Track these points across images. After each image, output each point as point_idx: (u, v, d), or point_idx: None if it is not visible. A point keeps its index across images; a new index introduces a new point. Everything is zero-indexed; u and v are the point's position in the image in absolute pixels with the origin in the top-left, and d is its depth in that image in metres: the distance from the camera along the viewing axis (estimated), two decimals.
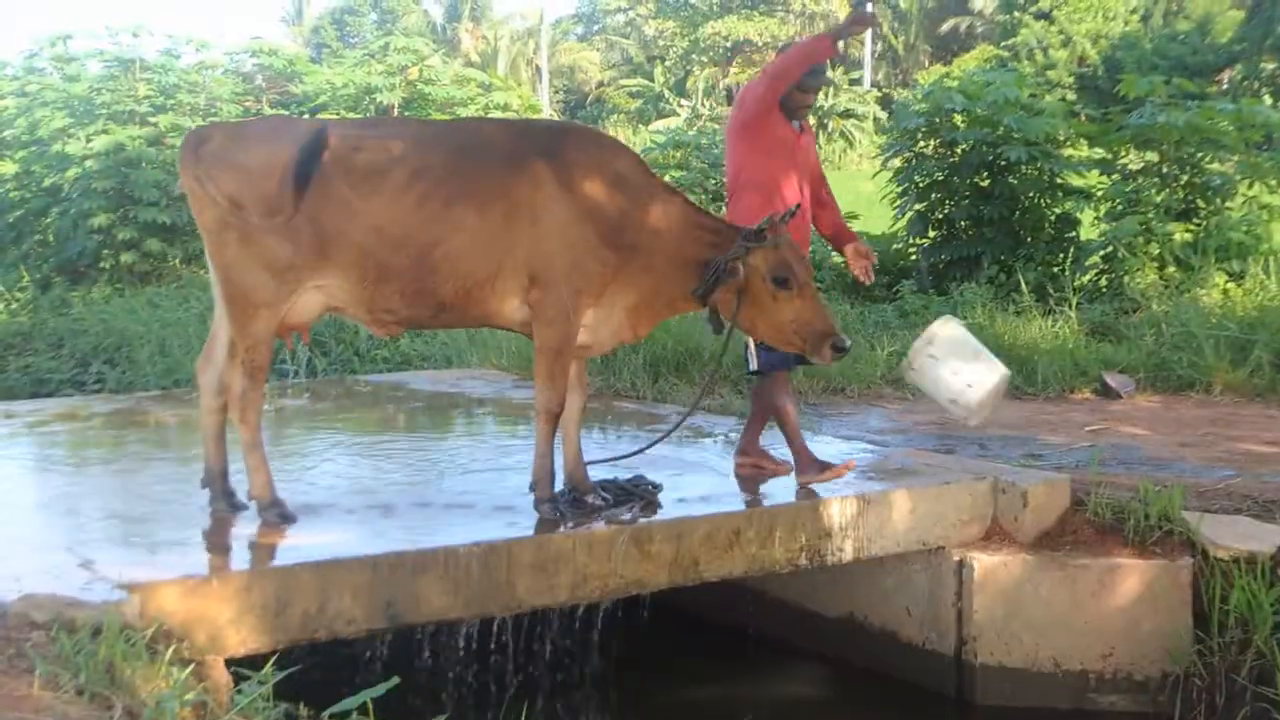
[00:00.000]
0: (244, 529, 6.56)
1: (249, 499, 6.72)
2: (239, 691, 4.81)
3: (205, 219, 6.43)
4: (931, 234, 16.97)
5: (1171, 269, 14.61)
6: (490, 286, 6.58)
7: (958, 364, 7.53)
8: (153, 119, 21.87)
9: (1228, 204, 15.57)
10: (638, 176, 6.81)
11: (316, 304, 6.60)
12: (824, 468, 7.57)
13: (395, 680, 4.57)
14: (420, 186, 6.42)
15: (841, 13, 68.99)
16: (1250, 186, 15.58)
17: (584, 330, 6.81)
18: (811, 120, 7.63)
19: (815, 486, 7.50)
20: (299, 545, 6.17)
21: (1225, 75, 50.63)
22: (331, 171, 6.35)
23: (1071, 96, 48.09)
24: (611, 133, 51.05)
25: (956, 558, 7.59)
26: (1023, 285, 14.31)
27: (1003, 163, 16.06)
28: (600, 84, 73.10)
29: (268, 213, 6.31)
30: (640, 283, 6.82)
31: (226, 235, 6.38)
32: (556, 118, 53.63)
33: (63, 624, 4.76)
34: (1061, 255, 15.60)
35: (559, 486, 6.93)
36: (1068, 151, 17.02)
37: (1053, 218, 16.41)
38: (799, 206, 7.28)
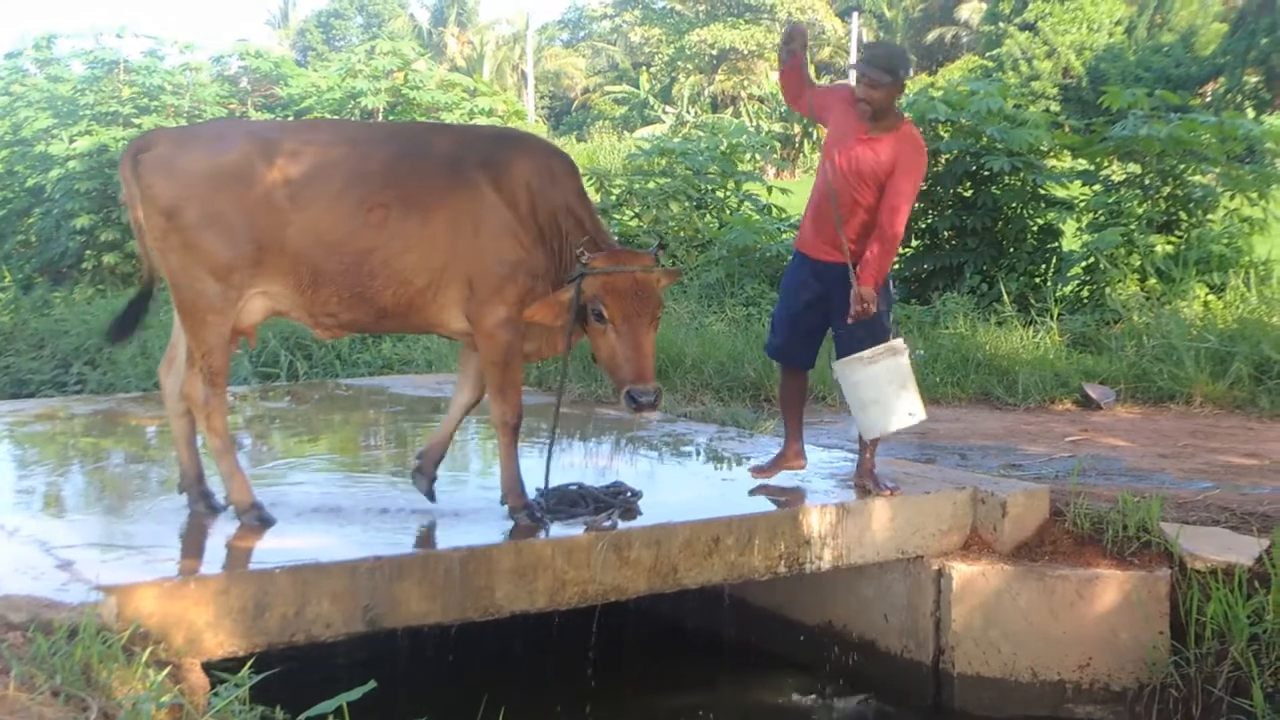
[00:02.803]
0: (222, 531, 6.56)
1: (227, 503, 6.72)
2: (215, 694, 4.80)
3: (150, 227, 6.44)
4: (914, 243, 16.96)
5: (1153, 280, 14.63)
6: (431, 295, 6.59)
7: (911, 387, 7.51)
8: (136, 120, 21.85)
9: (1209, 216, 15.60)
10: (570, 187, 6.80)
11: (261, 308, 6.61)
12: (776, 465, 7.88)
13: (372, 684, 4.57)
14: (356, 192, 6.43)
15: (826, 21, 69.25)
16: (1232, 199, 15.60)
17: (531, 338, 6.84)
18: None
19: (803, 493, 7.57)
20: (278, 548, 6.17)
21: (1208, 88, 50.80)
22: (267, 177, 6.36)
23: (1055, 107, 48.18)
24: (597, 139, 51.08)
25: (935, 567, 7.60)
26: (1005, 296, 14.34)
27: (986, 173, 16.06)
28: (585, 90, 73.15)
29: (208, 219, 6.32)
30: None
31: (170, 242, 6.39)
32: (541, 124, 53.61)
33: (39, 625, 4.76)
34: (1043, 266, 15.62)
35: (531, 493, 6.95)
36: (1051, 162, 17.04)
37: (1035, 228, 16.41)
38: (664, 246, 7.25)
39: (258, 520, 6.62)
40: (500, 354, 6.67)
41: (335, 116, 22.82)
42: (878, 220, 7.35)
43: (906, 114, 7.99)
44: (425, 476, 7.08)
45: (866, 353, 7.37)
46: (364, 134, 7.13)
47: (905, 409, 7.42)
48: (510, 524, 6.74)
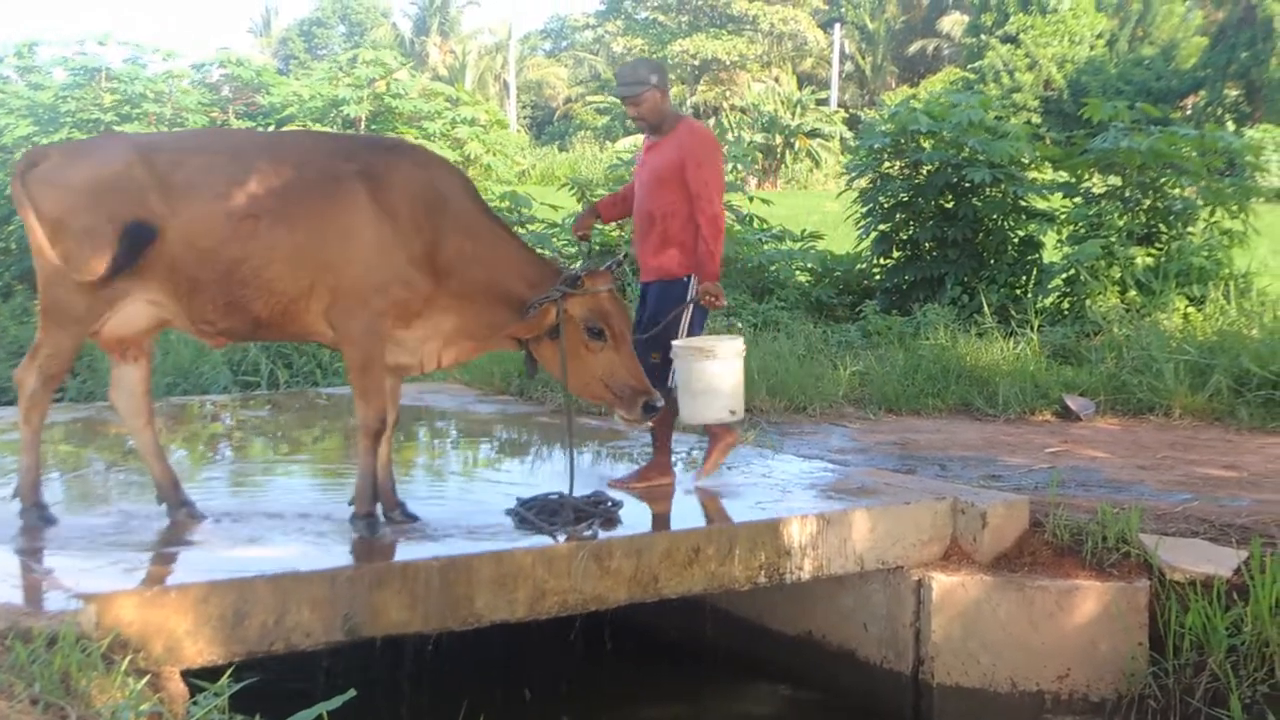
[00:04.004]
0: (203, 540, 6.55)
1: (13, 496, 6.85)
2: (195, 703, 4.79)
3: (36, 237, 6.49)
4: (895, 254, 17.02)
5: (1133, 293, 14.67)
6: (305, 304, 6.58)
7: (740, 386, 7.79)
8: (118, 128, 21.77)
9: (1189, 229, 15.65)
10: (461, 201, 6.77)
11: (145, 315, 6.64)
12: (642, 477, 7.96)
13: (352, 692, 4.56)
14: (229, 201, 6.44)
15: (810, 33, 69.31)
16: (1212, 212, 15.65)
17: (407, 351, 6.83)
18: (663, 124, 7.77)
19: (774, 505, 7.60)
20: (258, 557, 6.16)
21: (1189, 101, 51.06)
22: (146, 185, 6.39)
23: (1036, 119, 48.44)
24: (579, 149, 51.10)
25: (915, 577, 7.61)
26: (985, 307, 14.36)
27: (967, 184, 16.12)
28: (568, 100, 73.24)
29: (89, 229, 6.36)
30: (458, 309, 6.79)
31: (53, 252, 6.44)
32: (523, 133, 53.65)
33: (18, 633, 4.74)
34: (1024, 277, 15.66)
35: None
36: (1032, 174, 17.09)
37: (1016, 240, 16.46)
38: (626, 256, 7.41)
39: (39, 520, 6.72)
40: (361, 360, 6.64)
41: (317, 125, 22.79)
42: (694, 216, 7.63)
43: (688, 115, 8.32)
44: (395, 508, 7.03)
45: (716, 347, 7.63)
46: (245, 143, 7.12)
47: (728, 405, 7.65)
48: (491, 532, 6.74)
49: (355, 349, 6.64)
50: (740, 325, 14.62)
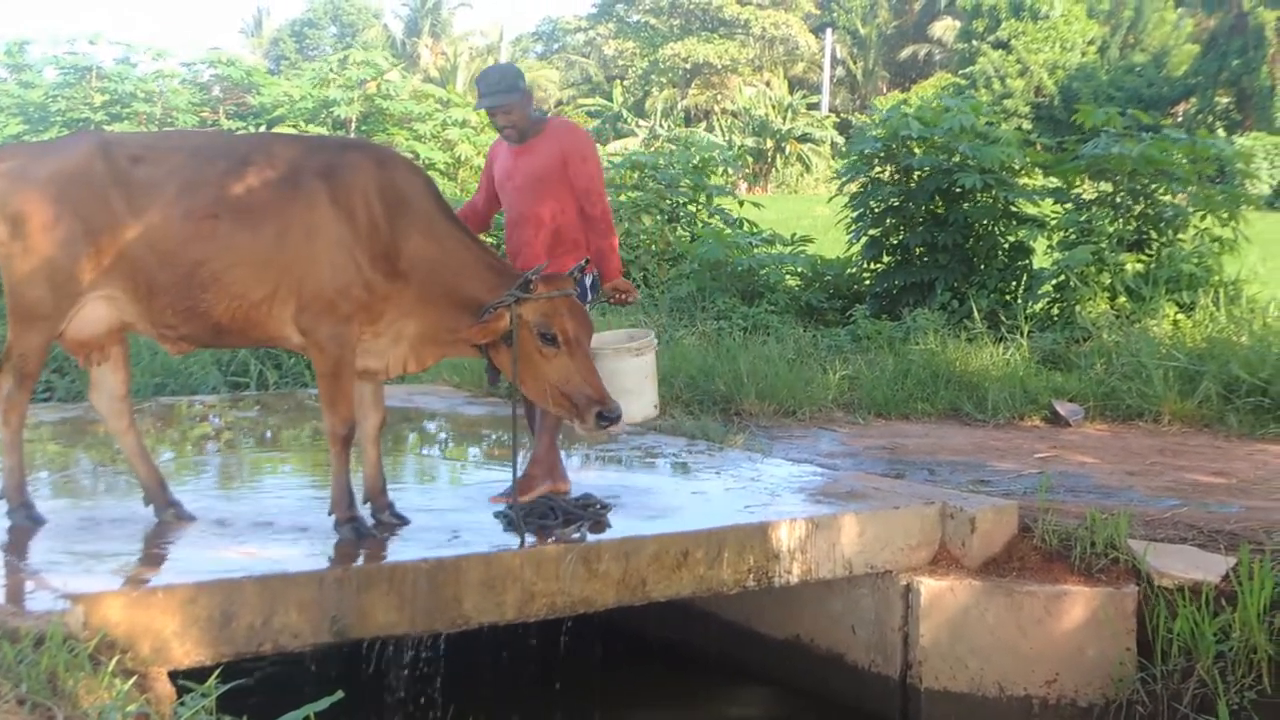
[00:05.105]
0: (191, 540, 6.53)
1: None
2: (182, 704, 4.78)
3: (0, 235, 6.48)
4: (886, 259, 17.00)
5: (1123, 299, 14.68)
6: (267, 309, 6.53)
7: (656, 380, 7.64)
8: (108, 127, 21.76)
9: (1180, 235, 15.63)
10: (422, 203, 6.70)
11: (105, 316, 6.60)
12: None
13: (339, 694, 4.55)
14: (190, 202, 6.41)
15: (801, 37, 69.36)
16: (1202, 219, 15.65)
17: (374, 355, 6.79)
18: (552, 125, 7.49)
19: (763, 509, 7.58)
20: (246, 558, 6.14)
21: (1180, 108, 51.20)
22: (106, 181, 6.38)
23: (1027, 125, 48.59)
24: None
25: (904, 582, 7.60)
26: (975, 312, 14.36)
27: (958, 190, 16.10)
28: (559, 102, 73.18)
29: (48, 224, 6.36)
30: (420, 314, 6.72)
31: (13, 249, 6.43)
32: None
33: (5, 633, 4.73)
34: (1014, 283, 15.66)
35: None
36: (1022, 180, 17.08)
37: (1006, 245, 16.45)
38: (587, 261, 7.23)
39: (27, 519, 6.71)
40: (330, 366, 6.60)
41: (308, 126, 22.79)
42: (583, 213, 7.39)
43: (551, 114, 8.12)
44: (385, 510, 7.00)
45: (634, 344, 7.44)
46: (208, 143, 7.07)
47: (651, 400, 7.49)
48: (480, 534, 6.74)
49: (324, 355, 6.59)
50: (730, 328, 14.63)
